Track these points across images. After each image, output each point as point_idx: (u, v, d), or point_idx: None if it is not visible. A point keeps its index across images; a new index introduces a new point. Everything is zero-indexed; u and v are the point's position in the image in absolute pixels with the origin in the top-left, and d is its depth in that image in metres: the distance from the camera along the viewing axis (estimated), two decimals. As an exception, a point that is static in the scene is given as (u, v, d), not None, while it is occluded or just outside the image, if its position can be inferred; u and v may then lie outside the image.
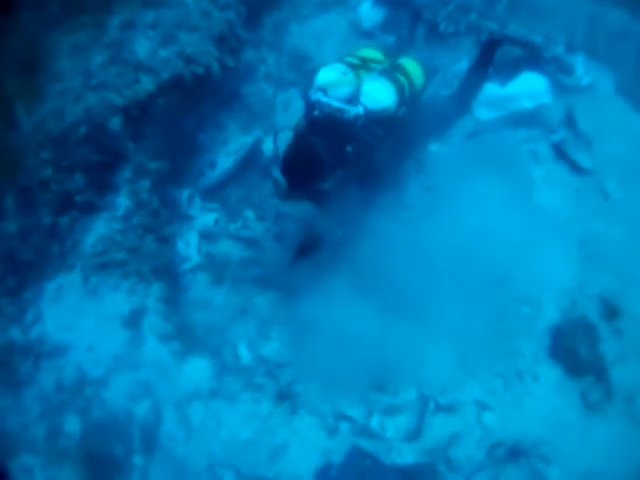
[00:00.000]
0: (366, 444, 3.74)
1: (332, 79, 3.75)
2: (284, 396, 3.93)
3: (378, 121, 3.77)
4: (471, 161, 4.36)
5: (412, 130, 4.16)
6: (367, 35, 4.99)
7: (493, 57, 4.56)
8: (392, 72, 3.89)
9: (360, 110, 3.68)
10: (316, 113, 3.68)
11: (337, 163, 3.65)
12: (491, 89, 4.55)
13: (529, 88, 4.52)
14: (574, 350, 3.91)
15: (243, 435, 3.84)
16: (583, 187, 4.37)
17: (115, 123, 4.08)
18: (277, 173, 4.26)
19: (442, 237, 4.12)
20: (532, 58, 4.70)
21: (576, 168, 4.42)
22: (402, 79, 3.88)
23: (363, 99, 3.72)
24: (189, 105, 4.48)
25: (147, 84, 4.15)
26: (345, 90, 3.74)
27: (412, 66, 4.04)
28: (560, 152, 4.47)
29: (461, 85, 4.57)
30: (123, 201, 4.23)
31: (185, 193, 4.62)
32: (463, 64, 4.72)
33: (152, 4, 4.37)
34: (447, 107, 4.58)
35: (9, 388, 4.02)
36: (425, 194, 4.34)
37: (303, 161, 3.54)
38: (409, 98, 3.93)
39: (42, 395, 4.01)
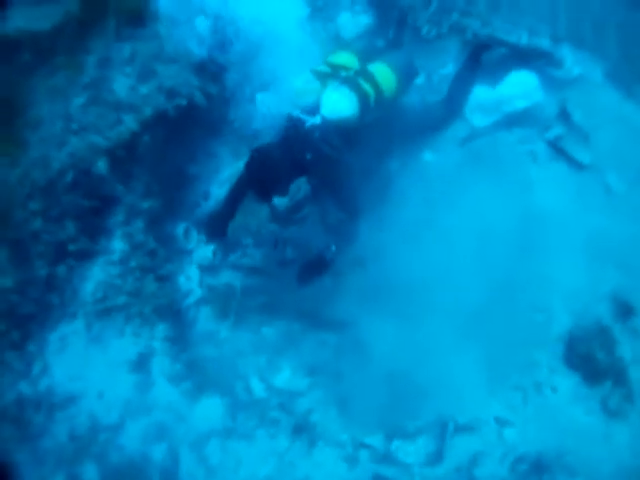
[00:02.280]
0: (387, 471, 3.54)
1: (298, 89, 3.66)
2: (301, 429, 3.71)
3: (340, 130, 3.62)
4: (468, 168, 4.10)
5: (389, 135, 3.97)
6: (348, 46, 4.68)
7: (480, 61, 4.34)
8: (356, 80, 3.69)
9: (317, 120, 3.56)
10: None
11: (297, 170, 3.60)
12: (483, 93, 4.28)
13: (520, 87, 4.23)
14: (590, 356, 3.67)
15: (262, 472, 3.63)
16: (584, 183, 4.09)
17: (101, 166, 3.81)
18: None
19: (444, 248, 3.88)
20: (519, 54, 4.40)
21: (575, 164, 4.14)
22: (366, 87, 3.68)
23: (322, 109, 3.59)
24: (176, 138, 4.20)
25: (130, 123, 3.87)
26: (308, 100, 3.63)
27: (383, 72, 3.82)
28: (558, 149, 4.18)
29: (449, 90, 4.33)
30: (118, 244, 3.97)
31: (181, 227, 4.37)
32: (449, 68, 4.43)
33: (126, 37, 4.06)
34: (435, 112, 4.35)
35: (24, 442, 3.81)
36: (424, 205, 4.05)
37: (261, 169, 3.53)
38: (376, 106, 3.73)
39: (57, 446, 3.80)
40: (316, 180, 3.77)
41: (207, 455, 3.70)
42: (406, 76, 4.02)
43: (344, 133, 3.64)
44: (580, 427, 3.56)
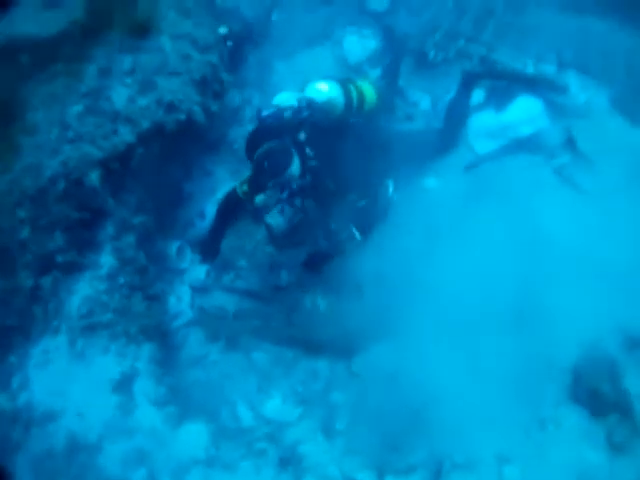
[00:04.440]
0: (378, 511, 3.19)
1: (284, 98, 3.54)
2: (288, 461, 3.37)
3: (326, 121, 3.50)
4: (472, 195, 3.83)
5: (386, 160, 3.77)
6: (354, 70, 4.48)
7: (472, 90, 4.16)
8: (340, 79, 3.67)
9: (302, 102, 3.43)
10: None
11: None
12: (487, 118, 4.06)
13: (525, 113, 4.01)
14: (597, 390, 3.35)
15: (246, 506, 3.29)
16: (590, 211, 3.78)
17: (94, 178, 3.53)
18: (270, 219, 3.71)
19: (446, 277, 3.58)
20: (525, 81, 4.18)
21: (580, 192, 3.87)
22: (350, 86, 3.64)
23: (307, 93, 3.50)
24: (173, 154, 3.95)
25: (126, 135, 3.60)
26: (293, 101, 3.50)
27: (365, 85, 3.79)
28: (563, 176, 3.91)
29: (444, 118, 4.13)
30: (107, 259, 3.68)
31: (174, 246, 4.09)
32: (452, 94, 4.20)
33: (128, 49, 3.82)
34: (431, 139, 4.13)
35: (-1, 456, 3.49)
36: (426, 232, 3.76)
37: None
38: (358, 109, 3.66)
39: (33, 463, 3.45)
40: (317, 162, 3.48)
41: (188, 484, 3.37)
42: (386, 99, 3.99)
43: (332, 127, 3.52)
44: (585, 463, 3.21)
